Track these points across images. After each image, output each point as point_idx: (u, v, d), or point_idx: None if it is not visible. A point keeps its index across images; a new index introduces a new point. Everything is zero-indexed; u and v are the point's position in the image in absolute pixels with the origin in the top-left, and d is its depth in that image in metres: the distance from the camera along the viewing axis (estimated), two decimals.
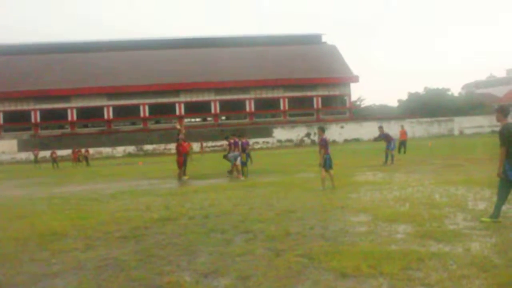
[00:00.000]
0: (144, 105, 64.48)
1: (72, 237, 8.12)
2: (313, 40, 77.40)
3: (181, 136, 19.23)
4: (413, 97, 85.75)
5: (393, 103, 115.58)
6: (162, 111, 65.62)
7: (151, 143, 56.87)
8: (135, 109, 64.76)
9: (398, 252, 5.90)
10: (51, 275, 5.91)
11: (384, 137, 21.17)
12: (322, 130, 13.32)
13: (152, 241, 7.39)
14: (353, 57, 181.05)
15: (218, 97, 66.14)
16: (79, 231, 8.61)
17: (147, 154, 55.27)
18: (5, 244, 7.85)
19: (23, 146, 55.95)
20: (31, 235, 8.46)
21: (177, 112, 64.78)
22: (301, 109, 69.23)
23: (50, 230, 8.77)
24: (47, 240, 7.97)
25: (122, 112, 65.03)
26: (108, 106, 64.33)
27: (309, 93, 68.21)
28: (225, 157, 19.72)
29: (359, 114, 76.84)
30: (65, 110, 63.99)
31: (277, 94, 67.62)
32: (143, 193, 14.53)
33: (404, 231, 7.18)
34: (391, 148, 20.65)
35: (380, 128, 22.10)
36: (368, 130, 59.94)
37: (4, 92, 62.02)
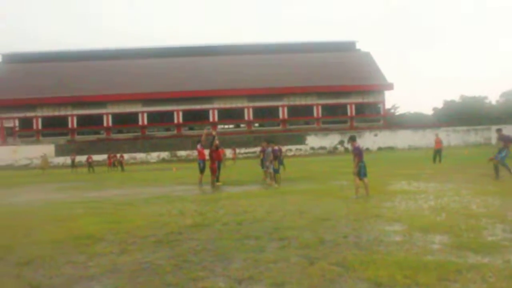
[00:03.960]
0: (178, 111, 65.18)
1: (108, 241, 8.23)
2: (347, 47, 77.09)
3: (216, 142, 19.32)
4: (449, 105, 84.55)
5: (428, 111, 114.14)
6: (195, 118, 66.21)
7: (184, 149, 57.36)
8: (169, 115, 65.52)
9: (434, 263, 5.79)
10: (88, 277, 6.01)
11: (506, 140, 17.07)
12: (353, 139, 13.24)
13: (186, 247, 7.44)
14: (387, 64, 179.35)
15: (251, 104, 66.37)
16: (114, 235, 8.73)
17: (180, 159, 55.78)
18: (43, 246, 8.01)
19: (60, 150, 57.17)
20: (68, 238, 8.61)
21: (211, 119, 65.27)
22: (334, 116, 68.89)
23: (86, 233, 8.92)
24: (83, 243, 8.10)
25: (156, 118, 65.87)
26: (142, 112, 65.25)
27: (343, 101, 67.86)
28: (263, 163, 19.85)
29: (393, 122, 76.05)
30: (100, 116, 65.17)
31: (310, 101, 67.49)
32: (177, 198, 14.63)
33: (440, 242, 7.04)
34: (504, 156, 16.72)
35: (499, 130, 17.69)
36: (402, 138, 59.23)
37: (43, 98, 63.59)
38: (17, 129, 64.42)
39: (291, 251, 6.83)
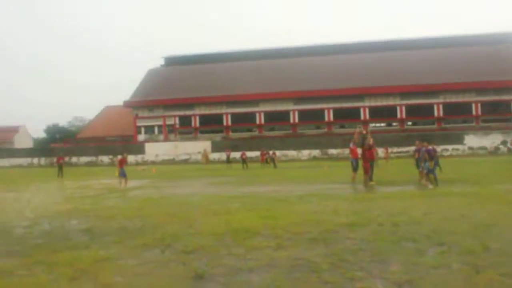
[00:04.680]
0: (328, 109, 65.11)
1: (264, 236, 8.47)
2: (502, 39, 71.05)
3: (369, 141, 18.96)
4: None
5: None
6: (346, 116, 65.66)
7: (335, 147, 57.15)
8: (319, 113, 65.71)
9: None
10: (247, 270, 6.24)
11: None
12: None
13: (342, 246, 7.39)
14: None
15: (404, 102, 64.06)
16: (270, 230, 8.96)
17: (331, 157, 55.70)
18: (205, 238, 8.47)
19: (216, 147, 60.14)
20: (226, 231, 9.02)
21: (362, 117, 64.29)
22: (496, 114, 63.98)
23: (243, 227, 9.26)
24: (241, 236, 8.43)
25: (307, 116, 66.41)
26: (294, 111, 66.19)
27: (505, 97, 62.76)
28: (418, 163, 19.23)
29: None
30: (253, 114, 67.36)
31: (468, 98, 63.36)
32: (329, 196, 14.60)
33: None
34: None
35: None
36: None
37: (201, 98, 67.35)
38: (177, 126, 69.01)
39: (452, 257, 6.47)
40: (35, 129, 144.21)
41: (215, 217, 10.82)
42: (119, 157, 23.78)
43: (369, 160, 18.90)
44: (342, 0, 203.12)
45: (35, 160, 66.14)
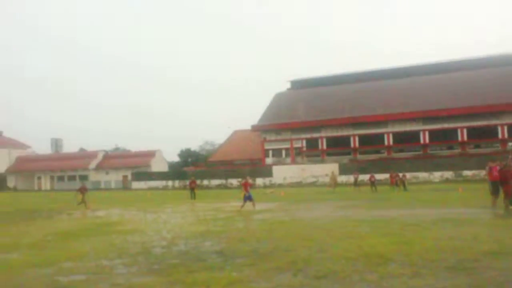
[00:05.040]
0: (461, 128, 61.87)
1: (398, 262, 8.18)
2: None
3: (511, 162, 17.66)
4: None
5: None
6: (481, 135, 61.90)
7: (470, 168, 54.06)
8: (452, 133, 62.66)
9: None
10: None
11: None
12: None
13: (485, 276, 6.89)
14: None
15: None
16: (404, 256, 8.64)
17: (466, 180, 52.71)
18: (336, 262, 8.36)
19: (343, 169, 59.62)
20: (358, 255, 8.84)
21: (500, 136, 60.22)
22: None
23: (376, 252, 9.02)
24: (374, 262, 8.21)
25: (438, 136, 63.61)
26: (424, 131, 63.75)
27: None
28: None
29: None
30: (382, 135, 65.91)
31: None
32: (466, 221, 13.79)
33: None
34: None
35: None
36: None
37: (327, 120, 67.36)
38: (304, 149, 69.49)
39: None
40: (170, 153, 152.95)
41: (346, 241, 10.66)
42: (243, 181, 24.36)
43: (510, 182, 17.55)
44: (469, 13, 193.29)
45: (170, 183, 70.22)
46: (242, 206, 22.25)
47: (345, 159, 65.75)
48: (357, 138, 66.70)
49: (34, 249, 11.31)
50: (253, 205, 22.24)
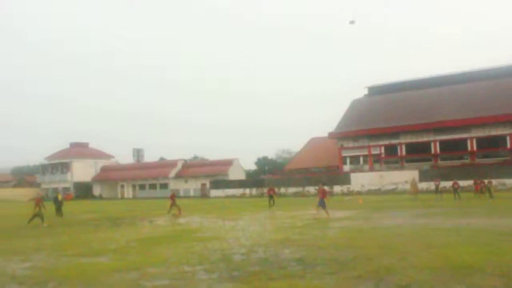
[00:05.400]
0: None
1: (487, 273, 7.76)
2: None
3: None
4: None
5: None
6: None
7: None
8: None
9: None
10: None
11: None
12: None
13: None
14: None
15: None
16: (494, 267, 8.19)
17: None
18: (420, 272, 8.07)
19: (423, 176, 57.70)
20: (444, 265, 8.50)
21: None
22: None
23: (462, 262, 8.64)
24: (461, 272, 7.85)
25: None
26: (511, 135, 60.69)
27: None
28: None
29: None
30: (464, 140, 63.35)
31: None
32: None
33: None
34: None
35: None
36: None
37: (406, 126, 65.57)
38: (383, 155, 67.95)
39: None
40: (247, 162, 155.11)
41: (430, 250, 10.28)
42: (320, 187, 24.29)
43: None
44: None
45: (247, 191, 70.84)
46: (318, 214, 22.16)
47: (426, 165, 63.68)
48: (438, 144, 64.46)
49: (119, 254, 11.72)
50: (327, 213, 22.02)
